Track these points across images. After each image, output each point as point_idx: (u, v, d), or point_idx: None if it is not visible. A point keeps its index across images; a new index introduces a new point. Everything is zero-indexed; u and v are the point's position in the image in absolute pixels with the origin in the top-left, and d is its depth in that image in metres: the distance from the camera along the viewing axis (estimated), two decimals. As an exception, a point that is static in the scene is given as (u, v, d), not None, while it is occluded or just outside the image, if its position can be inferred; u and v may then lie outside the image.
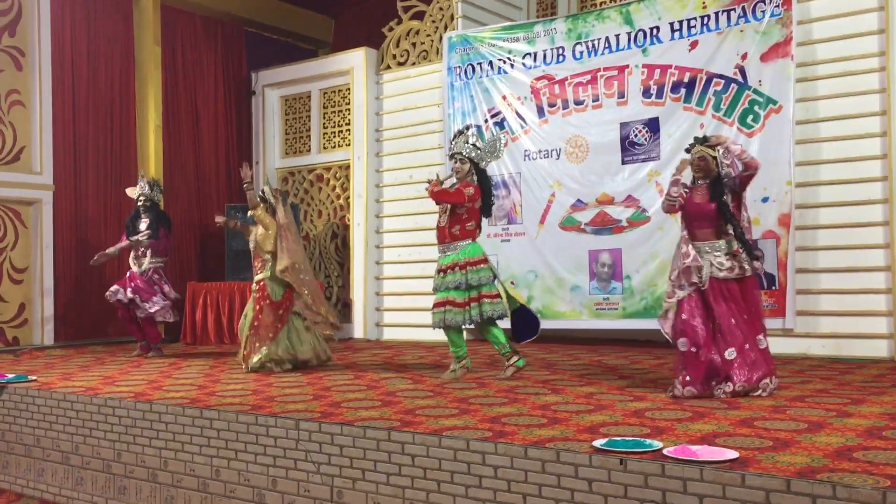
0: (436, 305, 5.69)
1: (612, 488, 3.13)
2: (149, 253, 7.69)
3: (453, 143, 5.93)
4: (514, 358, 5.66)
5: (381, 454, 3.80)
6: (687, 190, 4.81)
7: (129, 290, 7.56)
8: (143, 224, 7.74)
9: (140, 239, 7.68)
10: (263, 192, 6.94)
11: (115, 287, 7.64)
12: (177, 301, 7.99)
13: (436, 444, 3.64)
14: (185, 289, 9.37)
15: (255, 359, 6.36)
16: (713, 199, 4.68)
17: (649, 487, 3.04)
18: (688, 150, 4.86)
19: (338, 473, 3.94)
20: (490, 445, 3.49)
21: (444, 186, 5.75)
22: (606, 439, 3.38)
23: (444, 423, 3.92)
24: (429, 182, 5.76)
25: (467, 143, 5.83)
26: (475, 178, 5.80)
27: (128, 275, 7.75)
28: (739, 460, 3.02)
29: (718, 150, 4.73)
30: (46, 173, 8.64)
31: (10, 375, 5.93)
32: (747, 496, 2.82)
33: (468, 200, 5.68)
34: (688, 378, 4.56)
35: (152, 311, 7.58)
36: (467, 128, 6.10)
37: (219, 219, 7.22)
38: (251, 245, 6.74)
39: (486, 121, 8.71)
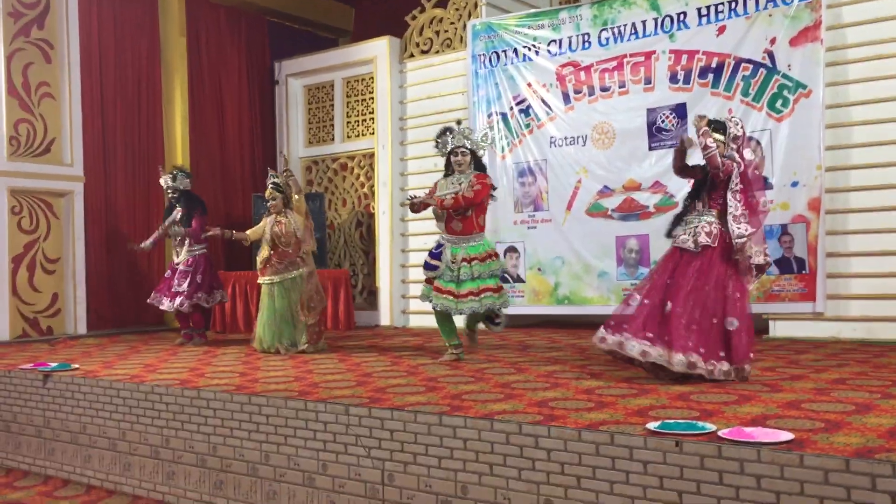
0: (484, 292, 5.85)
1: (668, 469, 3.19)
2: (187, 242, 7.63)
3: (449, 139, 6.02)
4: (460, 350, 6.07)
5: (433, 438, 3.87)
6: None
7: (183, 299, 7.53)
8: (178, 214, 7.65)
9: (175, 230, 7.64)
10: (277, 183, 6.96)
11: (164, 300, 7.60)
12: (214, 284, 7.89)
13: (487, 427, 3.71)
14: (213, 278, 9.50)
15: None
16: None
17: (706, 469, 3.10)
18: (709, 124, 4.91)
19: (388, 457, 4.01)
20: (542, 429, 3.55)
21: (447, 194, 5.91)
22: (659, 422, 3.43)
23: (493, 408, 3.99)
24: (410, 199, 6.03)
25: (464, 136, 5.99)
26: (473, 167, 6.00)
27: (167, 274, 7.74)
28: (795, 441, 3.08)
29: (730, 132, 4.77)
30: (77, 165, 8.74)
31: (54, 364, 6.03)
32: (806, 476, 2.88)
33: (492, 188, 5.99)
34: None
35: (216, 302, 7.83)
36: (458, 122, 6.34)
37: (213, 231, 7.09)
38: (299, 235, 6.81)
39: (511, 108, 8.74)
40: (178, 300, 7.53)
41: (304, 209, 6.93)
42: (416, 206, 6.02)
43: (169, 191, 7.76)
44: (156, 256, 9.23)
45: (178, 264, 7.66)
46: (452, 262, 5.88)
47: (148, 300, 7.75)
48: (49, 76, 8.61)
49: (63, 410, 5.59)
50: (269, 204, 6.96)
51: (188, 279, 7.57)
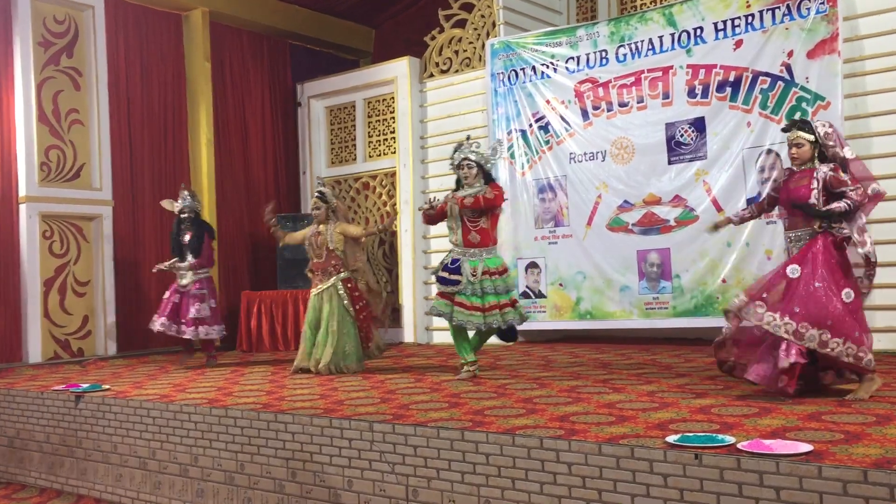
0: (506, 307, 6.02)
1: (688, 482, 3.22)
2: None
3: (455, 155, 6.17)
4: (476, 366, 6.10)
5: (456, 453, 3.93)
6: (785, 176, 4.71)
7: (184, 326, 7.56)
8: (187, 237, 7.68)
9: (186, 266, 7.62)
10: (323, 192, 7.04)
11: (163, 321, 7.57)
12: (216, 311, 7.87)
13: (509, 442, 3.77)
14: (238, 298, 9.64)
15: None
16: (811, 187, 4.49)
17: (725, 481, 3.14)
18: (784, 131, 4.71)
19: (412, 473, 4.07)
20: (563, 443, 3.60)
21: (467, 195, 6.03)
22: (679, 435, 3.47)
23: (515, 423, 4.04)
24: (428, 204, 6.17)
25: (469, 150, 6.11)
26: (483, 180, 6.07)
27: (168, 296, 7.70)
28: (814, 453, 3.10)
29: (818, 132, 4.52)
30: (106, 189, 8.93)
31: (85, 385, 6.17)
32: (825, 487, 2.90)
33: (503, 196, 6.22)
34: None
35: (213, 337, 7.77)
36: (468, 138, 6.43)
37: (269, 213, 7.06)
38: (331, 247, 6.83)
39: (530, 125, 8.82)
40: (200, 328, 7.58)
41: (353, 232, 6.99)
42: (434, 215, 6.11)
43: (186, 209, 7.72)
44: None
45: (184, 287, 7.65)
46: (473, 276, 5.93)
47: (158, 328, 7.63)
48: (78, 103, 8.82)
49: (95, 431, 5.72)
50: (313, 213, 7.05)
51: (202, 303, 7.61)
